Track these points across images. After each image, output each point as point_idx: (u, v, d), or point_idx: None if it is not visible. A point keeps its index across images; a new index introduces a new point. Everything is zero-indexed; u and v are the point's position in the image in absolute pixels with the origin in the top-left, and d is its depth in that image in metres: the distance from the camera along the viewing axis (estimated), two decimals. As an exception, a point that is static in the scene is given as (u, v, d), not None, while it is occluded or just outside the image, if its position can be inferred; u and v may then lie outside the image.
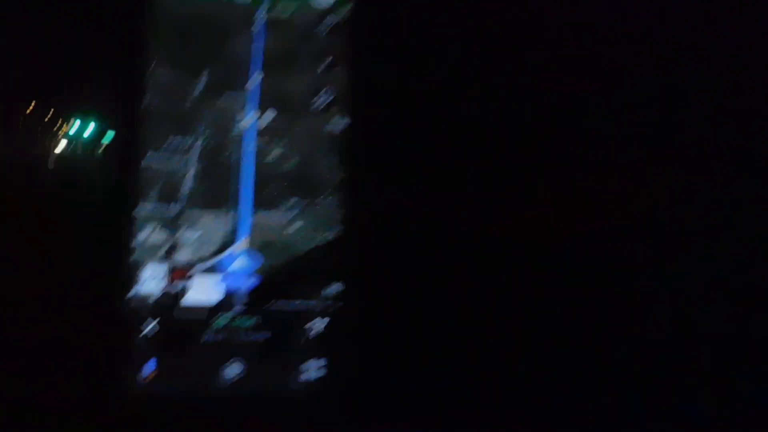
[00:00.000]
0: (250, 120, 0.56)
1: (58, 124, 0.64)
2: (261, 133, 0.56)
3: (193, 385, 0.54)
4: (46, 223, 0.56)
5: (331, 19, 0.57)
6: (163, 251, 0.54)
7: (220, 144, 0.55)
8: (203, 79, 0.55)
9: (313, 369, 0.55)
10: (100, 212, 0.56)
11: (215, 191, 0.55)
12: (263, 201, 0.56)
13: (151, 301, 0.53)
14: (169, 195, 0.54)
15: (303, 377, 0.55)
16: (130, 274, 0.53)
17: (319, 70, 0.57)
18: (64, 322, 0.54)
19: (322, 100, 0.57)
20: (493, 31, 0.60)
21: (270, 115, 0.56)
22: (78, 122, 0.64)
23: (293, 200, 0.56)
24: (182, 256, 0.54)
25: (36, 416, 0.53)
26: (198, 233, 0.54)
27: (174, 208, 0.54)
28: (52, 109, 0.63)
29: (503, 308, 0.58)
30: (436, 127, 0.58)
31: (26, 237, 0.56)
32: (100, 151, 0.60)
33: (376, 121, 0.56)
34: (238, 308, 0.55)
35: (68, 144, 0.63)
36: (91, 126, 0.63)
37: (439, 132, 0.58)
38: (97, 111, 0.60)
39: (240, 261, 0.55)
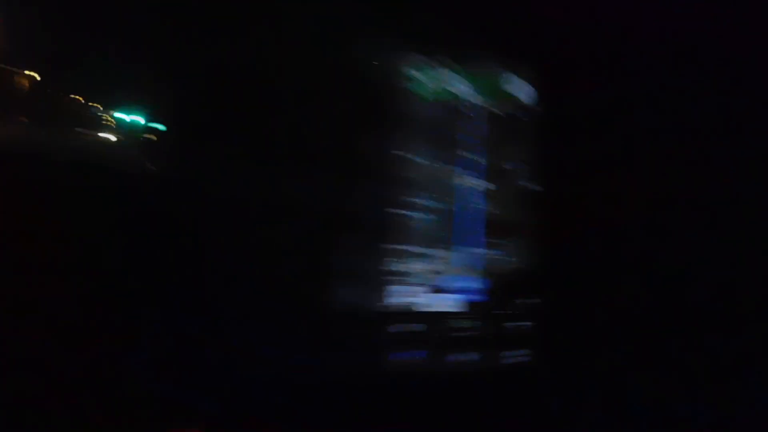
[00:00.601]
0: (468, 183, 0.80)
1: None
2: (477, 192, 0.80)
3: (429, 368, 0.77)
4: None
5: (525, 110, 0.81)
6: (408, 277, 0.78)
7: (446, 201, 0.79)
8: (434, 153, 0.79)
9: (516, 356, 0.79)
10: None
11: (445, 234, 0.79)
12: (479, 241, 0.80)
13: (398, 309, 0.77)
14: (411, 237, 0.78)
15: (508, 361, 0.79)
16: (381, 291, 0.77)
17: (517, 147, 0.81)
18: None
19: (520, 170, 0.81)
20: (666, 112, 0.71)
21: (483, 179, 0.80)
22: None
23: (502, 241, 0.80)
24: (421, 280, 0.78)
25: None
26: (434, 264, 0.79)
27: (415, 248, 0.78)
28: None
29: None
30: (612, 194, 0.78)
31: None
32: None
33: (561, 187, 0.80)
34: (463, 315, 0.79)
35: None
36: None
37: (614, 199, 0.78)
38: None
39: (464, 283, 0.79)
